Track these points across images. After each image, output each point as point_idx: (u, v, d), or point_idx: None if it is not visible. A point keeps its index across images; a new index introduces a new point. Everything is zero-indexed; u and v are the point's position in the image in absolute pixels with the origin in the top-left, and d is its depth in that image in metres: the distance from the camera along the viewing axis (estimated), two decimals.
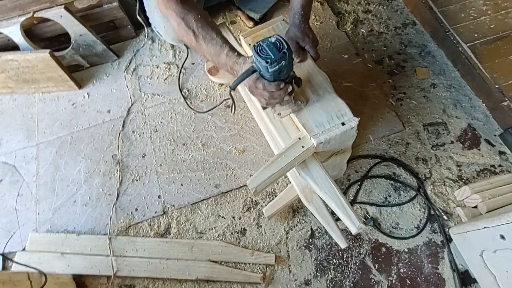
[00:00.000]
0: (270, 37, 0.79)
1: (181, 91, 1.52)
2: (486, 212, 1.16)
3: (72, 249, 1.23)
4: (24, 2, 1.36)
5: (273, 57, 0.75)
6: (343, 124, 0.91)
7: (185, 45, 1.64)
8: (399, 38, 1.62)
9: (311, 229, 1.24)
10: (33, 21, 1.47)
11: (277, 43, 0.77)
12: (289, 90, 0.85)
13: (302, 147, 0.91)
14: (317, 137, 0.90)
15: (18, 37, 1.43)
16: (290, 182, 1.22)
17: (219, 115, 1.46)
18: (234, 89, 0.88)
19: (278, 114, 0.96)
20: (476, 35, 1.47)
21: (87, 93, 1.57)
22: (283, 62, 0.77)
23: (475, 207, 1.20)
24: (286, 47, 0.77)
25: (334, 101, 0.96)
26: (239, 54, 0.89)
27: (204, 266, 1.18)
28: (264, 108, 0.96)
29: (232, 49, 0.89)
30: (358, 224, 0.82)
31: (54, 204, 1.33)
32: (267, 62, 0.75)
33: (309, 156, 0.93)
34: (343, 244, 1.02)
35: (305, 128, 0.92)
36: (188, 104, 1.48)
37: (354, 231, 0.83)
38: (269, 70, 0.77)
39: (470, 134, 1.37)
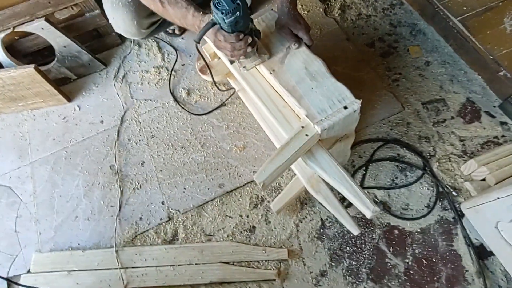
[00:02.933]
0: None
1: (173, 95, 1.49)
2: (495, 184, 1.15)
3: (78, 265, 1.19)
4: (2, 17, 1.31)
5: (227, 8, 0.79)
6: (345, 107, 0.89)
7: (152, 37, 1.60)
8: (388, 19, 1.60)
9: (321, 219, 1.22)
10: (14, 37, 1.42)
11: None
12: (249, 41, 0.89)
13: (306, 135, 0.88)
14: (321, 123, 0.87)
15: None
16: (295, 175, 1.19)
17: (215, 114, 1.43)
18: (198, 42, 0.91)
19: (244, 67, 0.99)
20: (465, 8, 1.46)
21: (78, 106, 1.53)
22: (238, 13, 0.81)
23: (483, 180, 1.19)
24: None
25: (333, 86, 0.93)
26: (205, 13, 0.92)
27: (217, 268, 1.15)
28: (231, 62, 1.01)
29: (197, 9, 0.93)
30: (373, 207, 0.80)
31: (55, 222, 1.29)
32: (222, 13, 0.80)
33: (314, 144, 0.90)
34: (355, 231, 1.00)
35: (308, 116, 0.90)
36: (182, 107, 1.45)
37: (369, 215, 0.81)
38: (226, 21, 0.82)
39: (469, 107, 1.36)
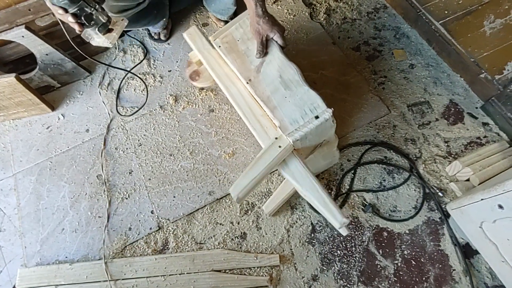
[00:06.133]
0: None
1: (159, 102, 1.46)
2: (478, 184, 1.18)
3: (66, 279, 1.16)
4: None
5: None
6: (316, 117, 0.88)
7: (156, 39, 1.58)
8: (373, 23, 1.63)
9: (312, 223, 1.23)
10: None
11: None
12: (69, 19, 0.88)
13: (279, 147, 0.87)
14: (292, 135, 0.86)
15: None
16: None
17: (204, 121, 1.43)
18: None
19: (87, 37, 0.99)
20: (446, 12, 1.49)
21: (62, 114, 1.49)
22: None
23: (468, 180, 1.22)
24: None
25: (306, 94, 0.92)
26: None
27: (209, 277, 1.15)
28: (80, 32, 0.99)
29: None
30: (341, 219, 0.79)
31: (41, 235, 1.26)
32: None
33: (288, 154, 0.89)
34: (344, 232, 0.96)
35: (281, 127, 0.89)
36: (117, 110, 1.43)
37: (337, 226, 0.80)
38: None
39: (453, 109, 1.39)
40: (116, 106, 1.48)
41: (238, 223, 1.24)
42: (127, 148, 1.40)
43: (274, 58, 0.99)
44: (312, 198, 0.84)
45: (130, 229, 1.25)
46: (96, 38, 0.98)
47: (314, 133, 0.89)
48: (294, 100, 0.92)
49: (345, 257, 1.18)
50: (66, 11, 0.87)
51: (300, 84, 0.94)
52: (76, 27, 0.91)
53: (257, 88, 0.96)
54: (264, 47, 0.99)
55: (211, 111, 1.45)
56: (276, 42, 1.01)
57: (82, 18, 0.90)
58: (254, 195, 1.28)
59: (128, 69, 1.52)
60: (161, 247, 1.22)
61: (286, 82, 0.95)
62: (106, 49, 1.63)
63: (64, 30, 1.08)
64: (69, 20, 0.89)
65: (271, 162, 0.86)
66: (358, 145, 1.35)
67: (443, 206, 1.22)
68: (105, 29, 0.96)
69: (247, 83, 0.97)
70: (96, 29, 0.95)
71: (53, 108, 1.50)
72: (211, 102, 1.47)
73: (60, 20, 0.95)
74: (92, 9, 0.91)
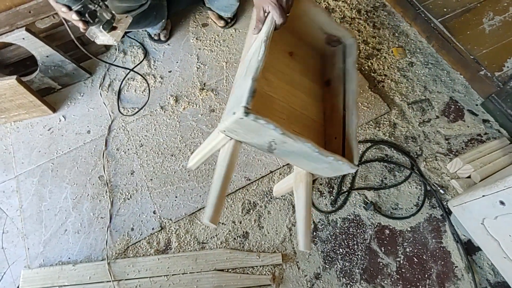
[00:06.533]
0: None
1: (160, 102, 1.47)
2: (479, 181, 1.18)
3: (70, 280, 1.17)
4: None
5: None
6: (234, 113, 0.74)
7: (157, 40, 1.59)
8: (372, 21, 1.63)
9: (314, 222, 1.23)
10: None
11: None
12: (73, 17, 0.88)
13: (218, 133, 0.86)
14: (220, 124, 0.79)
15: None
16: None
17: (205, 121, 1.43)
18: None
19: (91, 36, 1.01)
20: (445, 9, 1.50)
21: (63, 116, 1.49)
22: None
23: (469, 177, 1.23)
24: None
25: (245, 85, 0.77)
26: None
27: (211, 276, 1.15)
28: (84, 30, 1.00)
29: None
30: (207, 220, 0.76)
31: (43, 237, 1.26)
32: None
33: (228, 142, 0.85)
34: (302, 247, 0.83)
35: (223, 115, 0.84)
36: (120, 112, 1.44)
37: (203, 221, 0.78)
38: None
39: (453, 107, 1.40)
40: (118, 106, 1.49)
41: (240, 223, 1.24)
42: (128, 149, 1.40)
43: (260, 38, 0.83)
44: (212, 186, 0.81)
45: (132, 229, 1.25)
46: (101, 36, 0.98)
47: (242, 129, 0.77)
48: (239, 89, 0.79)
49: (347, 255, 1.18)
50: (70, 9, 0.86)
51: (251, 71, 0.77)
52: (80, 25, 0.90)
53: (238, 71, 0.91)
54: (261, 22, 0.84)
55: (212, 111, 1.45)
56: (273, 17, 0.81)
57: (86, 15, 0.89)
58: (255, 195, 1.28)
59: (130, 69, 1.52)
60: (164, 247, 1.22)
61: (248, 68, 0.80)
62: (108, 49, 1.63)
63: (68, 29, 1.08)
64: (73, 18, 0.89)
65: (209, 143, 0.92)
66: (359, 143, 1.35)
67: (445, 203, 1.22)
68: (110, 26, 0.96)
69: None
70: (101, 26, 0.94)
71: (54, 110, 1.50)
72: (212, 102, 1.47)
73: (64, 19, 0.95)
74: (96, 6, 0.91)
